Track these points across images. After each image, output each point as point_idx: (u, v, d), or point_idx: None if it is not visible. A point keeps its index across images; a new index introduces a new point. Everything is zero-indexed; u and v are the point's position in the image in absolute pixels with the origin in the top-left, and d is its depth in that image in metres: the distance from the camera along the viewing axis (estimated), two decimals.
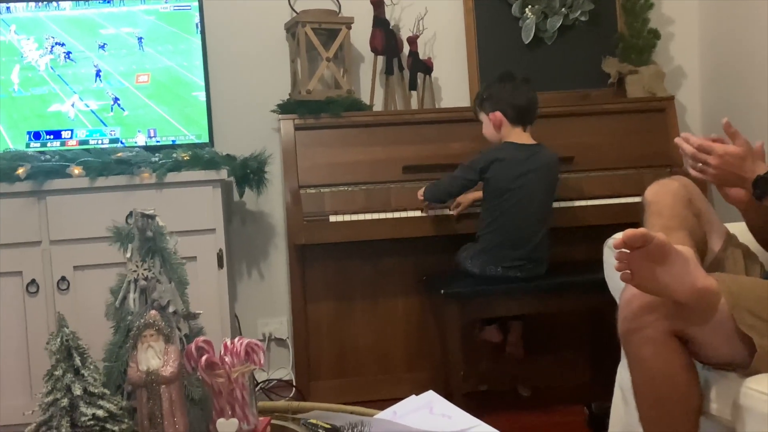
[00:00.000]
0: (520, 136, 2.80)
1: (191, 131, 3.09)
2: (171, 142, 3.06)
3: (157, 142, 3.06)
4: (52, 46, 3.06)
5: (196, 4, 3.11)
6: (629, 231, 1.52)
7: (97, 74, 3.07)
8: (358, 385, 3.12)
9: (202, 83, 3.12)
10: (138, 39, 3.10)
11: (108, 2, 3.10)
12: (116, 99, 3.08)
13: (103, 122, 3.05)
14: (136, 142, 3.04)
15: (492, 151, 2.79)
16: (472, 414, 1.57)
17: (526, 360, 3.08)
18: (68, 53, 3.06)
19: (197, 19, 3.12)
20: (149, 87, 3.10)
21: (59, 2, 3.07)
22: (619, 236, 1.54)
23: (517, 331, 3.00)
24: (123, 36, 3.10)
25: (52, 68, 3.06)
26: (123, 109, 3.08)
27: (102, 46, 3.08)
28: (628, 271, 1.55)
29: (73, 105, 3.06)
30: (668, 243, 1.53)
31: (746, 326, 1.57)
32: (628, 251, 1.53)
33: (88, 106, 3.07)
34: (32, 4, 3.06)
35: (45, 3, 3.06)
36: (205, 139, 3.08)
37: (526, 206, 2.73)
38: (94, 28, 3.09)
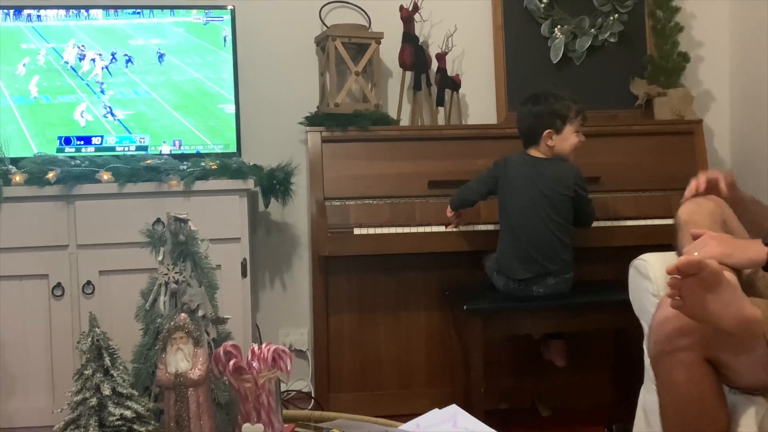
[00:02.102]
0: (533, 151, 2.84)
1: (216, 142, 3.11)
2: (195, 152, 3.08)
3: (182, 152, 3.08)
4: (82, 56, 3.09)
5: (228, 17, 3.14)
6: (684, 258, 1.52)
7: (124, 83, 3.10)
8: (377, 398, 3.11)
9: (229, 96, 3.14)
10: (161, 53, 3.12)
11: (138, 13, 3.13)
12: (141, 109, 3.10)
13: (128, 130, 3.08)
14: (161, 151, 3.06)
15: (506, 158, 2.86)
16: None
17: (548, 379, 3.07)
18: (93, 60, 3.09)
19: (225, 32, 3.15)
20: (175, 98, 3.12)
21: (89, 11, 3.11)
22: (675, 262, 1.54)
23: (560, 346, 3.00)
24: (151, 47, 3.12)
25: (81, 77, 3.09)
26: (148, 119, 3.10)
27: (129, 58, 3.10)
28: (679, 298, 1.55)
29: (101, 114, 3.09)
30: (721, 271, 1.53)
31: None
32: (681, 278, 1.53)
33: (114, 116, 3.09)
34: (62, 12, 3.09)
35: (75, 12, 3.10)
36: (233, 148, 3.11)
37: (532, 217, 2.73)
38: (123, 38, 3.12)
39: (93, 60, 3.10)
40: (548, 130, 2.78)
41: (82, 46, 3.09)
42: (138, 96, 3.11)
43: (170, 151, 3.08)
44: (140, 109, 3.10)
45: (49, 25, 3.09)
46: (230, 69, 3.14)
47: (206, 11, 3.14)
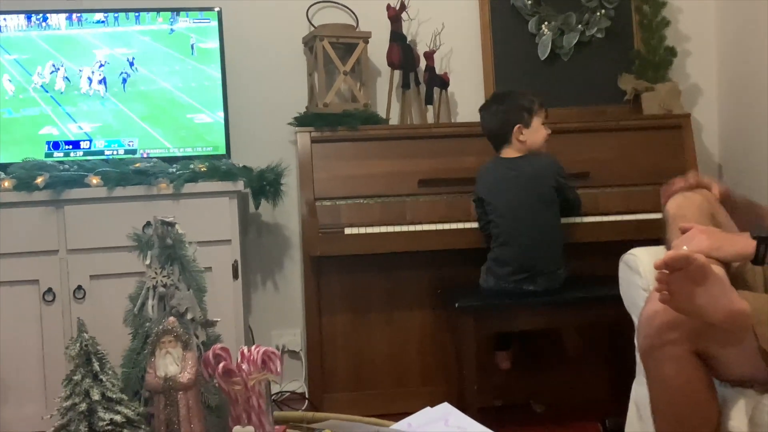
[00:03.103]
0: (506, 152, 2.86)
1: (186, 151, 3.08)
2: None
3: (171, 155, 3.07)
4: (55, 70, 3.05)
5: (215, 24, 3.13)
6: (672, 252, 1.53)
7: (90, 95, 3.06)
8: (371, 398, 3.11)
9: (198, 105, 3.10)
10: (131, 61, 3.09)
11: (102, 22, 3.07)
12: (108, 121, 3.07)
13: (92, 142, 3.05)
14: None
15: (480, 170, 2.89)
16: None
17: (541, 375, 3.07)
18: (56, 70, 3.05)
19: (193, 40, 3.11)
20: (144, 108, 3.09)
21: (50, 20, 3.06)
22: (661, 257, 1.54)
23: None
24: (118, 57, 3.08)
25: (45, 89, 3.04)
26: (116, 131, 3.07)
27: (101, 64, 3.07)
28: (667, 292, 1.55)
29: (66, 127, 3.04)
30: (708, 265, 1.53)
31: None
32: (669, 272, 1.53)
33: (81, 128, 3.05)
34: (23, 22, 3.04)
35: (37, 21, 3.05)
36: (222, 151, 3.10)
37: (516, 217, 2.75)
38: (88, 48, 3.07)
39: (55, 71, 3.05)
40: (518, 125, 2.81)
41: (55, 65, 3.05)
42: (104, 107, 3.07)
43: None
44: (107, 121, 3.07)
45: (9, 36, 3.05)
46: (199, 78, 3.11)
47: (198, 13, 3.13)
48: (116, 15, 3.09)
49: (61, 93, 3.06)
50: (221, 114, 3.12)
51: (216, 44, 3.14)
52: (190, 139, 3.10)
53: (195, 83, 3.12)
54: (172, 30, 3.12)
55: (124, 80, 3.09)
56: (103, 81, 3.07)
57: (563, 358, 3.13)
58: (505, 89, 2.98)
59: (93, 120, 3.06)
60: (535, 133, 2.83)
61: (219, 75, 3.13)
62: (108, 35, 3.09)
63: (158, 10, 3.12)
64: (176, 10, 3.12)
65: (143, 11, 3.12)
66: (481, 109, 2.95)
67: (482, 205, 2.86)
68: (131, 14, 3.10)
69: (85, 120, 3.06)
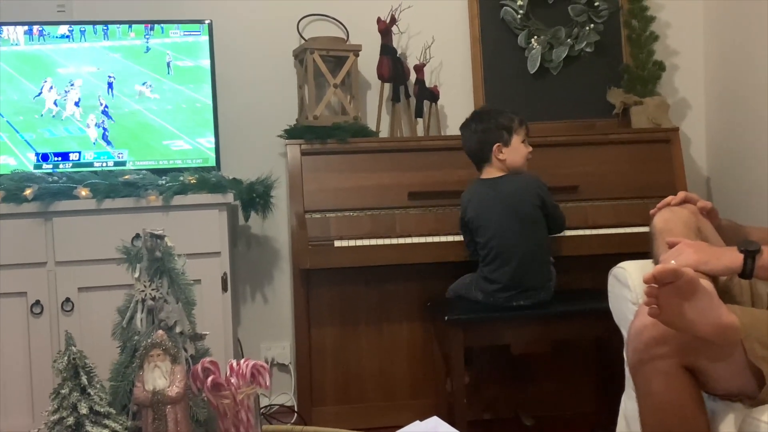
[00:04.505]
0: (487, 172, 2.86)
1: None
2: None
3: (161, 167, 3.06)
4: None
5: (206, 38, 3.13)
6: (660, 267, 1.53)
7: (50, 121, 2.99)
8: (361, 411, 3.11)
9: (173, 129, 3.06)
10: (110, 82, 3.03)
11: (67, 37, 2.99)
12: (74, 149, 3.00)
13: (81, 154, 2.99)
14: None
15: (464, 195, 2.89)
16: None
17: (531, 388, 3.08)
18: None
19: (169, 58, 3.05)
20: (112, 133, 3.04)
21: (10, 36, 2.97)
22: (650, 271, 1.54)
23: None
24: (85, 76, 3.01)
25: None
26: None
27: (71, 85, 3.00)
28: (656, 306, 1.55)
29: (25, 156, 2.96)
30: (697, 279, 1.54)
31: (756, 357, 1.57)
32: (658, 286, 1.53)
33: (38, 157, 2.97)
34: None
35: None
36: (212, 163, 3.10)
37: (502, 237, 2.75)
38: (50, 66, 2.99)
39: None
40: (497, 144, 2.81)
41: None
42: (70, 134, 3.02)
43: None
44: (72, 148, 3.03)
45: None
46: (176, 99, 3.08)
47: (186, 26, 3.13)
48: (83, 29, 3.00)
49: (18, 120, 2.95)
50: (202, 140, 3.09)
51: (194, 62, 3.10)
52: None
53: (171, 105, 3.08)
54: (147, 48, 3.06)
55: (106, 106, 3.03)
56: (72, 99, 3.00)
57: (552, 370, 3.13)
58: (485, 107, 2.99)
59: (55, 147, 2.98)
60: (515, 152, 2.83)
61: (196, 96, 3.09)
62: (73, 51, 3.01)
63: (148, 22, 3.11)
64: (168, 23, 3.11)
65: (119, 24, 3.08)
66: (461, 128, 2.95)
67: (469, 230, 2.86)
68: (99, 28, 3.03)
69: (46, 147, 2.98)
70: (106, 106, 3.03)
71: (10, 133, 2.97)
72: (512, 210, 2.75)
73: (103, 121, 3.02)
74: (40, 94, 2.99)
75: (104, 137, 3.02)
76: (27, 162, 2.98)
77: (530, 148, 2.87)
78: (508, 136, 2.82)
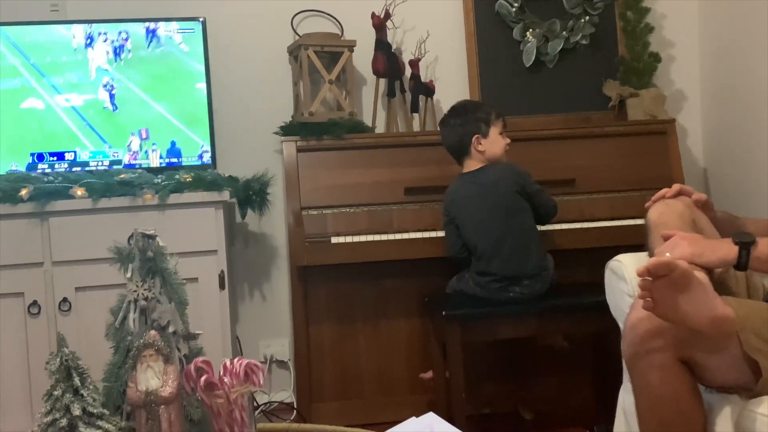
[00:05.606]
0: (468, 165, 2.87)
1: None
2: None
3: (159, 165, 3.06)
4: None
5: (200, 34, 3.12)
6: (654, 259, 1.53)
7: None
8: (359, 407, 3.10)
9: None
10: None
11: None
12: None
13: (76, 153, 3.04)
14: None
15: (447, 192, 2.89)
16: None
17: (529, 382, 3.07)
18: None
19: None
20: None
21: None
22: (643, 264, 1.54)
23: None
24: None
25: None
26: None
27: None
28: (650, 299, 1.55)
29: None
30: (691, 271, 1.53)
31: (752, 349, 1.57)
32: (651, 279, 1.53)
33: (68, 101, 3.02)
34: None
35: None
36: (208, 160, 3.09)
37: (487, 230, 2.75)
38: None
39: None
40: (476, 135, 2.82)
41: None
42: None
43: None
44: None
45: None
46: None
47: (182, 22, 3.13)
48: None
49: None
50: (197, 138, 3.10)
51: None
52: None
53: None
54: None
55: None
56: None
57: (551, 364, 3.13)
58: (462, 102, 2.98)
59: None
60: (493, 144, 2.84)
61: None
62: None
63: (141, 20, 3.10)
64: (162, 20, 3.10)
65: (112, 22, 3.08)
66: (440, 124, 2.96)
67: (454, 227, 2.85)
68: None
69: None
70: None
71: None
72: (494, 200, 2.76)
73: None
74: None
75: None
76: (55, 104, 3.02)
77: (508, 140, 2.88)
78: (486, 128, 2.84)
